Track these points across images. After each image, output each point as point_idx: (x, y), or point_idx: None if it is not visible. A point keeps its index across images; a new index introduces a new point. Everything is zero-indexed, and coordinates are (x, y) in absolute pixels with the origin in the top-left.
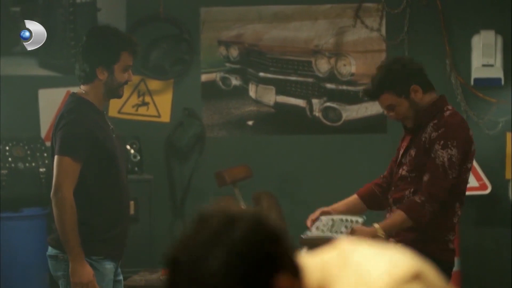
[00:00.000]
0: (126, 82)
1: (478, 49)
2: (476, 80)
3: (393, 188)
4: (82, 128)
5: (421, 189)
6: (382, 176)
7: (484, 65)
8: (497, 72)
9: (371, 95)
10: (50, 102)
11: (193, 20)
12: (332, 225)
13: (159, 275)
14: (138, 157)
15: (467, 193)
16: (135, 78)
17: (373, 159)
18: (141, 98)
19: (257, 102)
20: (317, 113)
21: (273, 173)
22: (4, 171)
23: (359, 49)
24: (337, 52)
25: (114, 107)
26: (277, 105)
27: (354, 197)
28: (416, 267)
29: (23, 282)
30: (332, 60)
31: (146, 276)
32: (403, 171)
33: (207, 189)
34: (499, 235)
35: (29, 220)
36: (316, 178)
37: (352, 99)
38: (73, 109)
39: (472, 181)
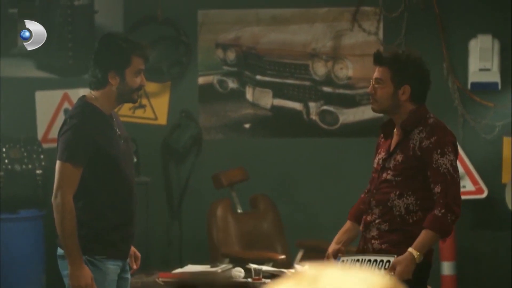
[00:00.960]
0: (140, 88)
1: (475, 53)
2: (473, 84)
3: (375, 191)
4: (83, 133)
5: (407, 192)
6: (366, 191)
7: (481, 69)
8: (494, 76)
9: (378, 58)
10: (47, 104)
11: (190, 23)
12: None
13: (155, 277)
14: (135, 160)
15: (464, 197)
16: None
17: (369, 163)
18: (138, 101)
19: (254, 105)
20: (314, 117)
21: (270, 176)
22: (0, 173)
23: (357, 53)
24: (334, 56)
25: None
26: (274, 108)
27: (348, 223)
28: (392, 285)
29: (20, 283)
30: (329, 64)
31: (143, 278)
32: (387, 175)
33: (204, 192)
34: (496, 239)
35: (25, 222)
36: (312, 181)
37: (349, 102)
38: (77, 114)
39: (469, 185)
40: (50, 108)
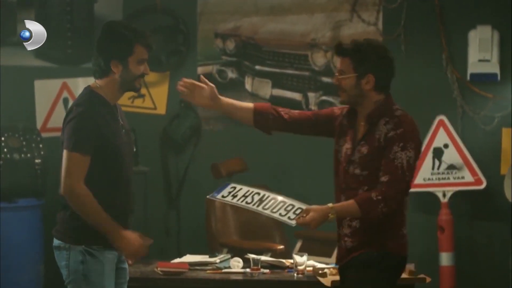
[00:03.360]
0: (142, 75)
1: (475, 44)
2: (472, 75)
3: (343, 186)
4: (89, 121)
5: (374, 187)
6: (290, 112)
7: (480, 60)
8: (493, 67)
9: (339, 49)
10: (46, 92)
11: (190, 12)
12: (261, 201)
13: (154, 267)
14: (134, 149)
15: (462, 188)
16: None
17: None
18: (140, 89)
19: (253, 95)
20: (313, 107)
21: (269, 166)
22: None
23: None
24: (334, 46)
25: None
26: (273, 98)
27: (249, 105)
28: None
29: (18, 272)
30: (329, 54)
31: (141, 268)
32: (355, 170)
33: (202, 182)
34: (494, 230)
35: (24, 211)
36: (311, 171)
37: None
38: (82, 102)
39: (468, 176)
40: (49, 97)
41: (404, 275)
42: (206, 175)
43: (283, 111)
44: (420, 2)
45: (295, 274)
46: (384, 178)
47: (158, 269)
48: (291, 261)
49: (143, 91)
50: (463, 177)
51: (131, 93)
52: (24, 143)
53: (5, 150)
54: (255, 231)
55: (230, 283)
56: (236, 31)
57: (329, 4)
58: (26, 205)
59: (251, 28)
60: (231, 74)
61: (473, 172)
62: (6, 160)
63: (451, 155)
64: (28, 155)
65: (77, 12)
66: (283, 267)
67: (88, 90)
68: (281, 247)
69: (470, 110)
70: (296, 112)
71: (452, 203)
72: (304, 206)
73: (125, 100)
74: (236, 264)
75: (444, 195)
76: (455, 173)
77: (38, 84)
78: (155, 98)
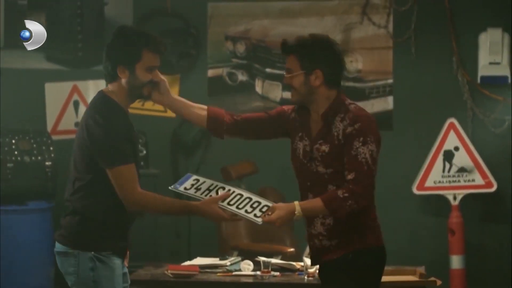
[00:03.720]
0: (151, 82)
1: (485, 47)
2: (482, 78)
3: (309, 184)
4: (121, 131)
5: (343, 185)
6: (243, 115)
7: (491, 63)
8: (503, 70)
9: (284, 47)
10: (57, 95)
11: (200, 15)
12: (232, 198)
13: (164, 270)
14: (144, 152)
15: (473, 191)
16: None
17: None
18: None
19: (263, 97)
20: None
21: (279, 169)
22: (10, 164)
23: (366, 46)
24: (344, 49)
25: None
26: (283, 101)
27: (203, 107)
28: None
29: (29, 274)
30: None
31: (152, 270)
32: (318, 167)
33: None
34: (505, 233)
35: (34, 213)
36: None
37: (359, 95)
38: (106, 114)
39: (478, 179)
40: (60, 100)
41: (414, 278)
42: (216, 178)
43: (236, 115)
44: (430, 5)
45: (306, 277)
46: (350, 176)
47: (169, 271)
48: (302, 263)
49: None
50: (473, 180)
51: None
52: (34, 145)
53: (16, 152)
54: (266, 234)
55: (240, 285)
56: (246, 33)
57: (339, 7)
58: (37, 207)
59: (261, 31)
60: (241, 76)
61: (483, 175)
62: (16, 163)
63: (461, 158)
64: (39, 157)
65: (87, 15)
66: (293, 270)
67: (102, 95)
68: (292, 249)
69: (481, 112)
70: (248, 114)
71: (463, 206)
72: (270, 204)
73: (135, 103)
74: (247, 267)
75: (454, 198)
76: (466, 176)
77: (49, 87)
78: None
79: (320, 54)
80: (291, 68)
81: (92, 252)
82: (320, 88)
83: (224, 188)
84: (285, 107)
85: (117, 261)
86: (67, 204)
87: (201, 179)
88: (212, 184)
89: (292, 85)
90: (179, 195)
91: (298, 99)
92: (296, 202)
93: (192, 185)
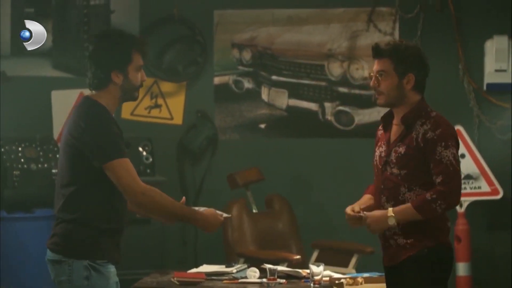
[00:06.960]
0: (141, 84)
1: (491, 54)
2: (488, 85)
3: (382, 186)
4: (113, 128)
5: (415, 184)
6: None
7: (497, 70)
8: (509, 77)
9: (377, 50)
10: (63, 103)
11: (206, 22)
12: None
13: (170, 277)
14: (151, 159)
15: (479, 198)
16: (148, 80)
17: None
18: (153, 100)
19: (269, 105)
20: (329, 117)
21: (285, 176)
22: (16, 172)
23: None
24: (350, 56)
25: (127, 109)
26: (289, 108)
27: (369, 196)
28: None
29: (35, 282)
30: (345, 64)
31: (158, 277)
32: (392, 169)
33: (219, 192)
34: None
35: (41, 221)
36: (328, 181)
37: (365, 103)
38: (96, 113)
39: (484, 186)
40: (66, 107)
41: None
42: (222, 185)
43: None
44: (436, 12)
45: (312, 284)
46: (438, 179)
47: (175, 279)
48: (308, 271)
49: (160, 101)
50: (479, 187)
51: (148, 104)
52: (41, 153)
53: (22, 160)
54: (272, 241)
55: None
56: (253, 41)
57: (345, 14)
58: (43, 215)
59: (267, 38)
60: (247, 84)
61: (489, 182)
62: (23, 170)
63: (467, 165)
64: (45, 165)
65: (94, 23)
66: (299, 277)
67: (88, 99)
68: (298, 257)
69: (487, 120)
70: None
71: (469, 213)
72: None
73: (142, 110)
74: (253, 274)
75: (460, 205)
76: (472, 183)
77: (55, 95)
78: (172, 108)
79: (413, 59)
80: (385, 70)
81: (87, 261)
82: (409, 92)
83: None
84: (378, 131)
85: (112, 269)
86: (59, 215)
87: None
88: None
89: (381, 88)
90: None
91: (387, 102)
92: (390, 210)
93: None
